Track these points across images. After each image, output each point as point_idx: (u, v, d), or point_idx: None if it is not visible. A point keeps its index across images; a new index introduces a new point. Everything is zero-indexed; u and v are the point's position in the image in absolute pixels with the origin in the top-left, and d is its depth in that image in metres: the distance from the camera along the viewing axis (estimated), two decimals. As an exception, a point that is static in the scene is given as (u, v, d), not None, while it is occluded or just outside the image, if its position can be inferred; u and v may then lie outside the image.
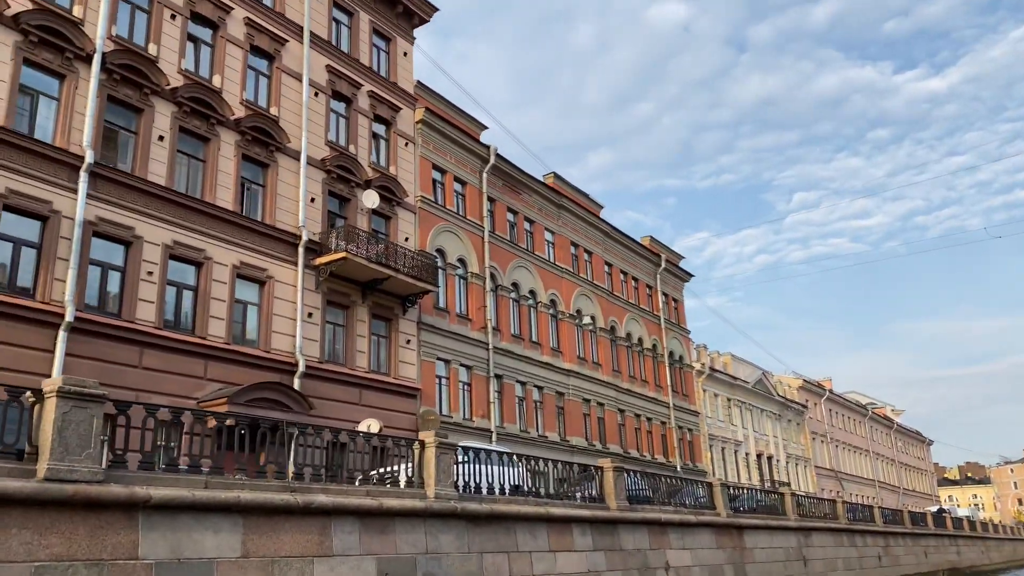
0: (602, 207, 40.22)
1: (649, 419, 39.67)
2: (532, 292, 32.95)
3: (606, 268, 39.34)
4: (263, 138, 21.79)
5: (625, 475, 17.45)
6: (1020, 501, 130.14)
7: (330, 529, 10.25)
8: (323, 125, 23.88)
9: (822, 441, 63.33)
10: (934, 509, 54.65)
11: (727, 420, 48.37)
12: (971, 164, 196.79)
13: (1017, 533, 79.51)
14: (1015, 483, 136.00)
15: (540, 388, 32.04)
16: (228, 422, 12.61)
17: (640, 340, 40.69)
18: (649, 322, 41.98)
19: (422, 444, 12.54)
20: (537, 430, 31.19)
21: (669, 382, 42.22)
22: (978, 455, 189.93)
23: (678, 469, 39.26)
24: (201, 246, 19.72)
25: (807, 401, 62.09)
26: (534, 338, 32.52)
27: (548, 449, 29.49)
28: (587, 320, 34.90)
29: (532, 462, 15.67)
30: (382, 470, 13.38)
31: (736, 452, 48.64)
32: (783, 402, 56.63)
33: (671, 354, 43.26)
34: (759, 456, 51.60)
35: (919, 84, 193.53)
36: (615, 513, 16.12)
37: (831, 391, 68.50)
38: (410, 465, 12.50)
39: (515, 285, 31.99)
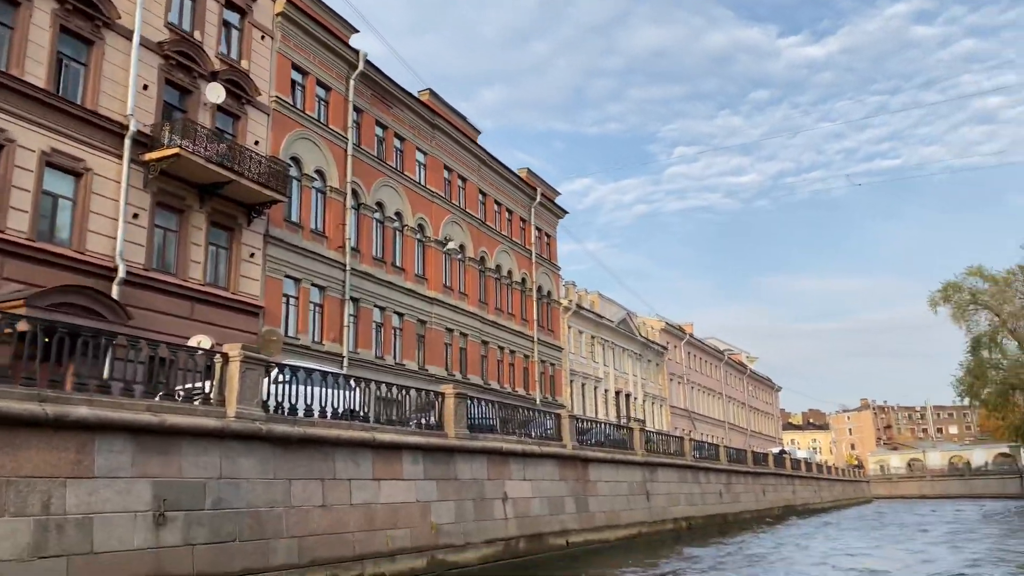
0: (480, 132, 38.80)
1: (512, 352, 39.31)
2: (398, 214, 31.38)
3: (480, 196, 38.13)
4: (87, 10, 19.00)
5: (468, 402, 16.61)
6: (852, 446, 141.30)
7: (92, 447, 8.77)
8: (163, 4, 21.15)
9: (679, 382, 65.54)
10: (775, 451, 57.85)
11: (589, 357, 48.87)
12: (840, 131, 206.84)
13: (847, 475, 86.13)
14: (850, 429, 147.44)
15: (400, 315, 30.81)
16: (20, 326, 10.77)
17: (510, 273, 40.00)
18: (520, 255, 41.31)
19: (225, 357, 11.10)
20: (394, 358, 30.06)
21: (536, 317, 41.92)
22: (820, 403, 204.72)
23: (537, 402, 39.28)
24: (2, 126, 17.06)
25: (668, 343, 63.85)
26: (398, 263, 31.10)
27: (406, 378, 28.41)
28: (456, 248, 33.63)
29: (364, 385, 14.49)
30: (189, 386, 11.87)
31: (596, 388, 49.38)
32: (645, 343, 57.90)
33: (540, 289, 42.90)
34: (618, 393, 52.67)
35: (800, 50, 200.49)
36: (452, 441, 15.27)
37: (691, 335, 70.79)
38: (212, 382, 11.06)
39: (380, 205, 30.30)
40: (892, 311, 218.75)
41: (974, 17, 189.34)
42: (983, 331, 74.89)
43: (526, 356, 40.66)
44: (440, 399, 15.64)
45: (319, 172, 27.05)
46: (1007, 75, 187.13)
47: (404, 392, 14.74)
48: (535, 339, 41.25)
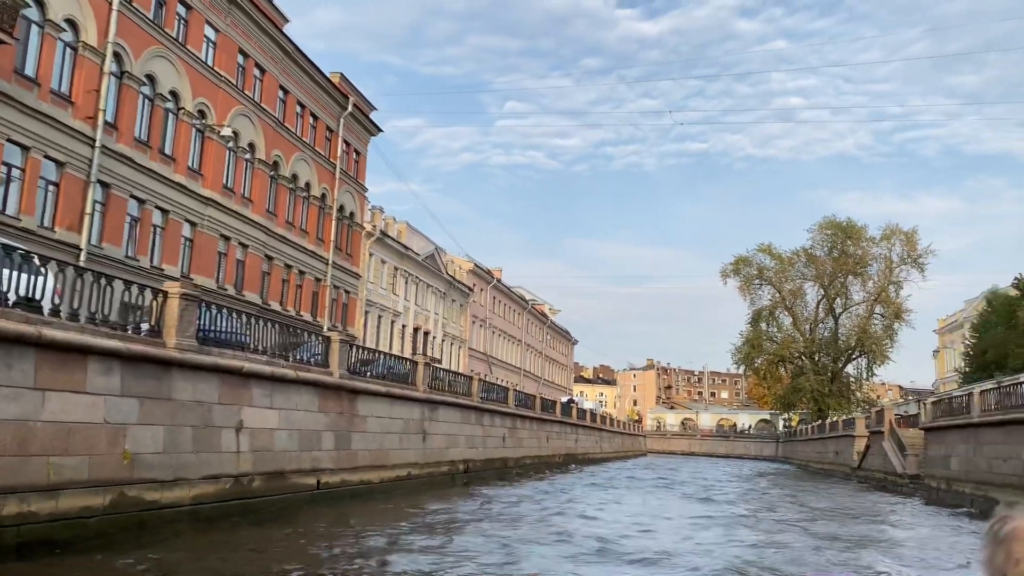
0: (288, 21, 34.32)
1: (302, 273, 35.80)
2: (174, 94, 26.73)
3: (280, 94, 33.85)
4: None
5: (203, 308, 13.45)
6: (635, 403, 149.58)
7: None
8: None
9: (481, 325, 64.57)
10: (564, 400, 58.46)
11: (390, 289, 46.18)
12: (659, 109, 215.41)
13: (627, 428, 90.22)
14: (635, 387, 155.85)
15: (165, 212, 26.46)
16: None
17: (308, 185, 36.19)
18: (323, 168, 37.53)
19: None
20: (151, 260, 25.81)
21: (333, 238, 38.48)
22: (613, 360, 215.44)
23: (325, 330, 36.13)
24: None
25: (474, 285, 62.48)
26: (167, 151, 26.58)
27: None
28: (230, 135, 28.92)
29: (60, 269, 10.97)
30: None
31: (393, 323, 46.88)
32: (451, 281, 56.03)
33: (341, 208, 39.41)
34: (416, 330, 50.53)
35: (633, 24, 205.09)
36: (171, 353, 12.13)
37: (499, 280, 69.97)
38: None
39: (150, 78, 25.55)
40: (686, 282, 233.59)
41: (789, 20, 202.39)
42: (765, 305, 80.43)
43: (317, 279, 37.27)
44: (161, 298, 12.37)
45: (70, 22, 22.03)
46: (809, 79, 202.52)
47: (106, 282, 11.32)
48: (330, 262, 37.88)
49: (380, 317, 44.90)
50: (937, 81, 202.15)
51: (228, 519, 13.21)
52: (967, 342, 68.33)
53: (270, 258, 33.13)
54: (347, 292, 40.26)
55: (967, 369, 67.51)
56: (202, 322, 13.28)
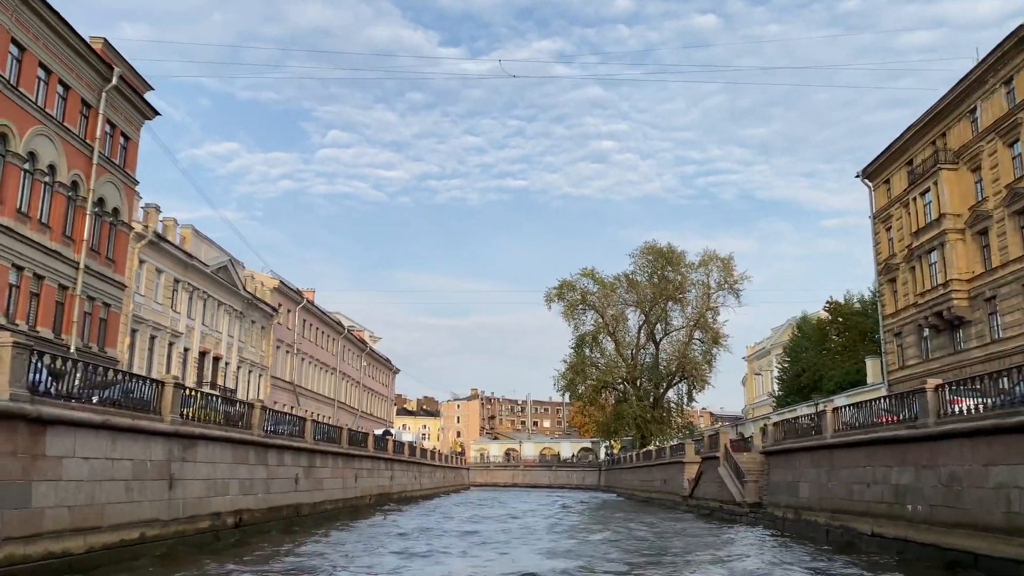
0: (25, -42, 27.18)
1: (40, 277, 28.34)
2: None
3: (14, 50, 26.64)
4: None
5: None
6: (459, 434, 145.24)
7: None
8: None
9: (287, 351, 57.73)
10: (379, 432, 52.88)
11: (167, 305, 38.92)
12: (481, 146, 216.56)
13: (450, 461, 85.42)
14: (458, 417, 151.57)
15: None
16: None
17: (52, 168, 28.91)
18: (75, 151, 30.31)
19: None
20: None
21: (89, 237, 31.18)
22: (436, 391, 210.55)
23: (72, 349, 28.77)
24: None
25: (280, 306, 55.72)
26: None
27: None
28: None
29: None
30: None
31: (172, 346, 39.55)
32: (250, 300, 49.12)
33: (101, 202, 32.19)
34: (203, 354, 43.29)
35: (457, 63, 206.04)
36: None
37: (310, 302, 63.40)
38: None
39: None
40: (505, 315, 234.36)
41: (603, 68, 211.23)
42: (588, 330, 78.95)
43: (63, 287, 29.82)
44: None
45: None
46: (621, 124, 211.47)
47: None
48: (81, 266, 30.52)
49: (153, 338, 37.54)
50: (731, 132, 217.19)
51: None
52: (781, 366, 70.13)
53: (-10, 256, 25.65)
54: (107, 305, 32.86)
55: (779, 392, 69.31)
56: None
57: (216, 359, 45.09)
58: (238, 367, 48.22)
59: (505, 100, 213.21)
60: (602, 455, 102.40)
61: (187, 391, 19.49)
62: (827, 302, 60.28)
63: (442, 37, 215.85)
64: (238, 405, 23.52)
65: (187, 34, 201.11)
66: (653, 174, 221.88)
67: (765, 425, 33.55)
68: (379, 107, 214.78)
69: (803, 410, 44.44)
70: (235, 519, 20.79)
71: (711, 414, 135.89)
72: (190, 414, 19.73)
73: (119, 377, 16.85)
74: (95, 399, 16.60)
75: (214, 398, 22.34)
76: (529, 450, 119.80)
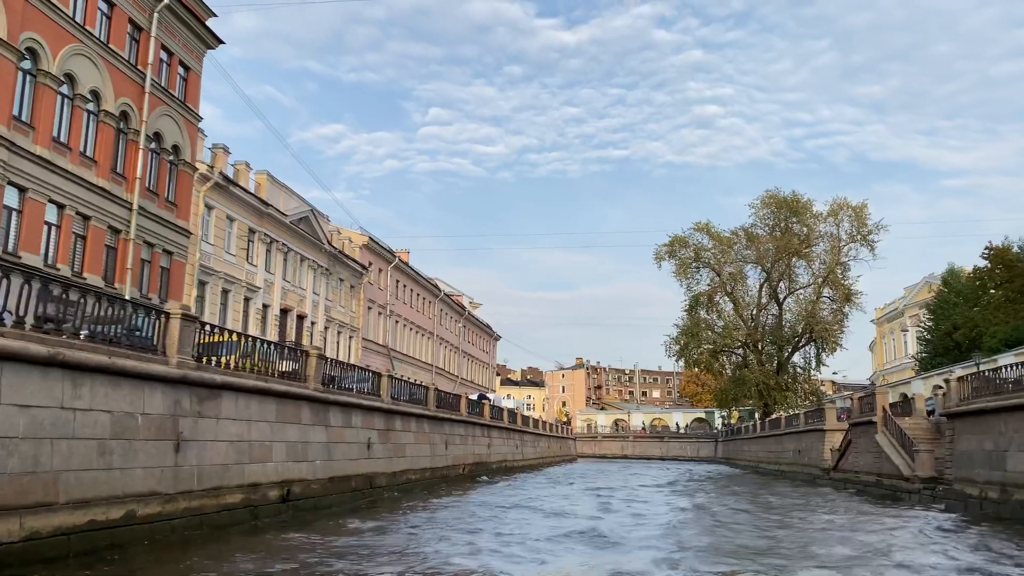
0: None
1: (85, 219, 25.23)
2: None
3: (43, -45, 23.29)
4: None
5: None
6: (564, 404, 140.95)
7: None
8: None
9: (380, 312, 54.37)
10: (474, 396, 48.77)
11: (241, 256, 35.71)
12: (581, 117, 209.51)
13: (555, 430, 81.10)
14: (563, 387, 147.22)
15: None
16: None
17: (96, 95, 25.67)
18: (123, 77, 27.00)
19: None
20: None
21: (146, 175, 28.03)
22: (541, 361, 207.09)
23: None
24: None
25: (370, 264, 52.28)
26: None
27: None
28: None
29: None
30: None
31: (249, 301, 36.42)
32: (336, 255, 45.73)
33: (158, 137, 28.92)
34: (285, 312, 40.13)
35: (554, 33, 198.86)
36: None
37: (404, 261, 59.83)
38: None
39: None
40: (611, 286, 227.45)
41: (704, 31, 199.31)
42: (703, 290, 72.33)
43: (115, 230, 26.71)
44: None
45: None
46: (725, 88, 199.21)
47: None
48: (135, 207, 27.32)
49: (227, 292, 34.39)
50: (843, 91, 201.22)
51: None
52: (923, 325, 61.95)
53: (22, 190, 22.53)
54: (168, 253, 29.71)
55: (924, 354, 61.17)
56: None
57: (300, 317, 41.93)
58: (325, 327, 45.02)
59: (604, 69, 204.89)
60: (718, 425, 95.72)
61: (206, 327, 15.42)
62: (986, 247, 51.88)
63: (539, 8, 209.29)
64: (289, 353, 19.43)
65: (293, 22, 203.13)
66: (760, 138, 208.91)
67: (939, 384, 27.16)
68: (478, 83, 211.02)
69: (959, 371, 37.52)
70: (281, 492, 16.76)
71: (832, 383, 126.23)
72: (224, 362, 15.71)
73: (106, 306, 12.78)
74: (84, 333, 12.74)
75: (259, 342, 18.31)
76: (638, 420, 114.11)
